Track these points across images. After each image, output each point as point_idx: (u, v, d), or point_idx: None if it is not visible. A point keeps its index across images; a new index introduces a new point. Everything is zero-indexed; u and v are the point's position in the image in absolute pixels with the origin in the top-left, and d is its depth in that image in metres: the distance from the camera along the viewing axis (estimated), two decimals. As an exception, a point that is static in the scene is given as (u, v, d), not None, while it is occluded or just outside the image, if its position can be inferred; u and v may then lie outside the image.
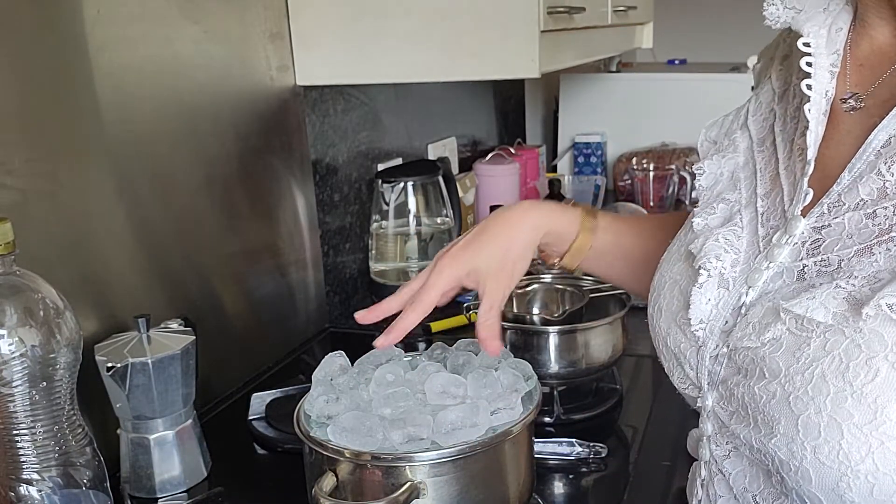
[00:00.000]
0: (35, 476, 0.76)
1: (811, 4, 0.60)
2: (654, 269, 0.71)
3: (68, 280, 0.93)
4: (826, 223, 0.54)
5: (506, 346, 0.97)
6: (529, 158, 2.16)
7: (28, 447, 0.75)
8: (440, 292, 0.79)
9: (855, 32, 0.59)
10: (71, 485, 0.78)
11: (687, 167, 2.19)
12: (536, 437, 0.94)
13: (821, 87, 0.57)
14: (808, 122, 0.56)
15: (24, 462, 0.75)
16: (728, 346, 0.57)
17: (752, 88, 0.72)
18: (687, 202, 2.19)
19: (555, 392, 1.10)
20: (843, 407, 0.47)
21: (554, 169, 2.46)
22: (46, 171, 0.92)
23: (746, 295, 0.57)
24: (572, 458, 1.01)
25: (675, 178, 2.15)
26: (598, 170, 2.36)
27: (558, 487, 0.98)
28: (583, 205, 0.87)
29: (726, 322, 0.58)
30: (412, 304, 0.79)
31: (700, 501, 0.64)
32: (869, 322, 0.47)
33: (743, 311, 0.57)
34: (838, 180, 0.54)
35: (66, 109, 0.94)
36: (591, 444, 1.01)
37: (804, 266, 0.54)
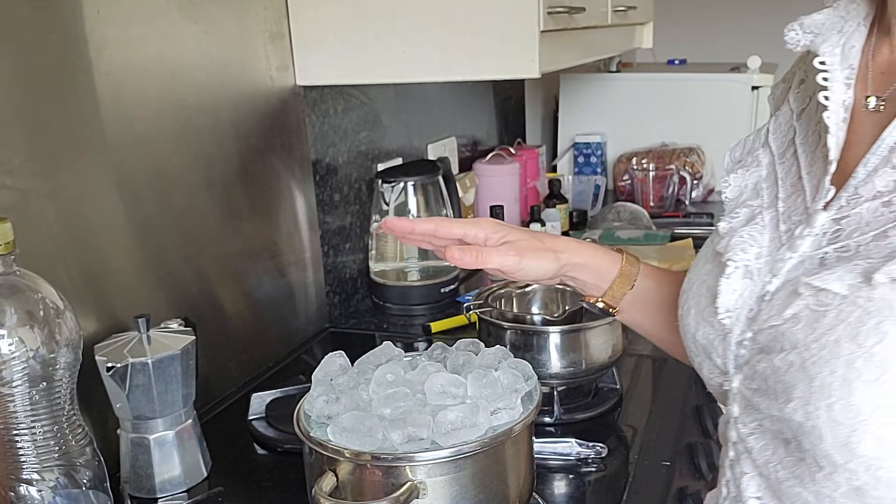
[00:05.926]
0: (35, 476, 0.76)
1: (827, 28, 0.66)
2: None
3: (68, 280, 0.93)
4: (845, 214, 0.58)
5: (506, 346, 0.98)
6: (529, 158, 2.16)
7: (28, 447, 0.75)
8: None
9: (878, 43, 0.65)
10: (71, 485, 0.78)
11: (686, 167, 2.19)
12: (536, 437, 0.94)
13: (837, 97, 0.62)
14: (828, 128, 0.60)
15: (24, 462, 0.76)
16: (753, 331, 0.61)
17: (771, 114, 0.77)
18: (687, 202, 2.19)
19: (555, 392, 1.10)
20: (854, 367, 0.51)
21: (554, 169, 2.46)
22: (46, 171, 0.92)
23: (770, 283, 0.61)
24: (572, 458, 1.01)
25: (675, 178, 2.15)
26: (598, 170, 2.36)
27: (558, 487, 0.98)
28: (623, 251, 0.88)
29: (751, 310, 0.62)
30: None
31: (728, 482, 0.67)
32: (879, 289, 0.51)
33: (767, 297, 0.61)
34: (853, 174, 0.59)
35: (66, 109, 0.94)
36: (591, 444, 1.01)
37: (825, 253, 0.58)
